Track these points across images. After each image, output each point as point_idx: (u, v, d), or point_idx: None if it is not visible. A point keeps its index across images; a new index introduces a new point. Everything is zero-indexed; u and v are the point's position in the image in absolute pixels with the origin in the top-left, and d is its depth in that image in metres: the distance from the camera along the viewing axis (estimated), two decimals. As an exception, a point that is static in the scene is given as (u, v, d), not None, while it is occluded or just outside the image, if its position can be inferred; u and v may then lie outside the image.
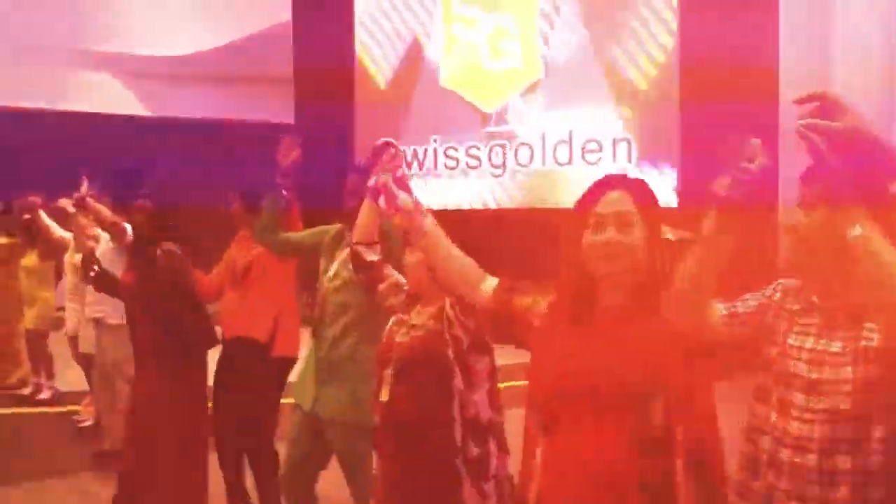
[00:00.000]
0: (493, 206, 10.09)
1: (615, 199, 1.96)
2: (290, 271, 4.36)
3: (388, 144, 2.71)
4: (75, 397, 6.83)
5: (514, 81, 10.05)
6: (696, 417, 1.90)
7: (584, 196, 2.02)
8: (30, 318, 7.29)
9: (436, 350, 2.60)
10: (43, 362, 7.44)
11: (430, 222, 2.22)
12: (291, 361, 4.29)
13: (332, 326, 3.41)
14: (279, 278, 4.24)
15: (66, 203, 5.46)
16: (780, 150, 7.79)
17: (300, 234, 3.86)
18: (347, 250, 3.32)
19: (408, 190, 2.29)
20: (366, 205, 2.78)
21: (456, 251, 2.20)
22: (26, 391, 7.50)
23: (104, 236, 5.28)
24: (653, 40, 9.07)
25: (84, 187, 5.01)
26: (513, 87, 10.06)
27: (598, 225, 1.92)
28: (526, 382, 2.01)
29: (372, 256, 2.82)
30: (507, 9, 10.17)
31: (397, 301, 2.82)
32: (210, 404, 4.17)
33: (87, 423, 6.34)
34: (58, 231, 6.53)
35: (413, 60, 10.85)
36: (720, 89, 8.03)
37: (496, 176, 10.24)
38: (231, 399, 4.15)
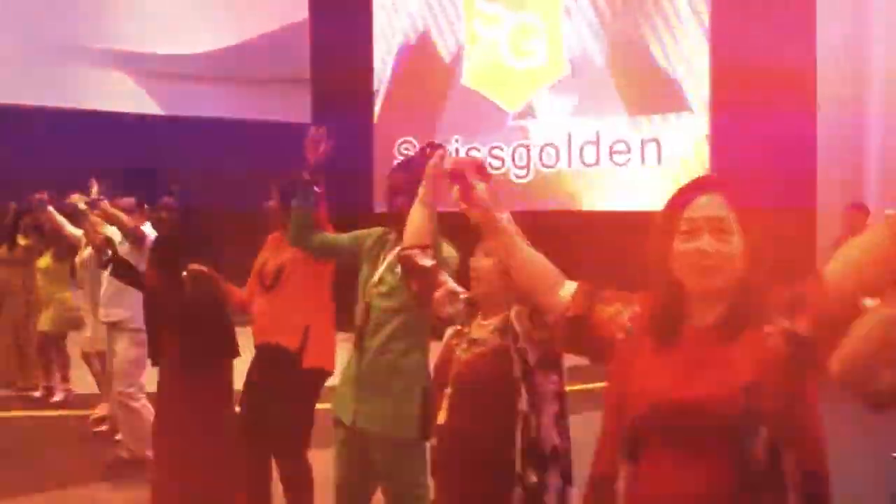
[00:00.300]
0: (517, 208, 10.04)
1: (708, 203, 1.78)
2: (325, 276, 4.16)
3: (436, 145, 2.59)
4: (94, 400, 6.73)
5: (537, 80, 10.00)
6: (808, 445, 1.70)
7: (672, 199, 1.85)
8: (44, 320, 7.31)
9: (500, 368, 2.43)
10: (58, 364, 7.43)
11: (507, 217, 2.09)
12: (325, 373, 4.13)
13: (375, 336, 3.28)
14: (312, 283, 4.09)
15: (77, 199, 5.38)
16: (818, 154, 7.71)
17: (340, 236, 3.70)
18: (392, 254, 3.23)
19: (487, 179, 2.13)
20: (418, 205, 2.61)
21: (534, 251, 2.07)
22: (36, 394, 7.51)
23: (116, 238, 5.26)
24: (685, 38, 9.01)
25: (94, 190, 5.07)
26: (536, 86, 10.02)
27: (690, 231, 1.76)
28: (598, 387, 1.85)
29: (426, 261, 2.61)
30: (531, 5, 10.13)
31: (455, 311, 2.64)
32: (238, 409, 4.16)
33: (103, 429, 6.27)
34: (69, 228, 6.55)
35: (434, 57, 10.83)
36: (754, 91, 7.99)
37: (520, 177, 10.28)
38: (259, 407, 4.05)
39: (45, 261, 7.34)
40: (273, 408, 3.99)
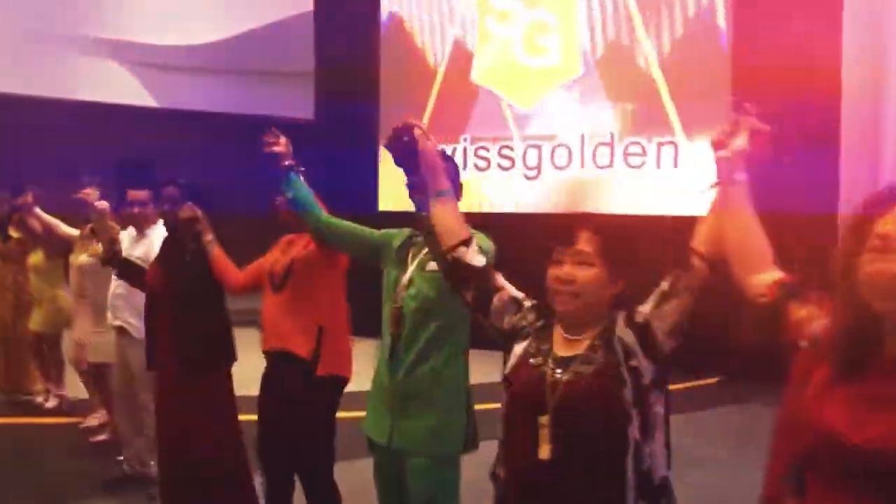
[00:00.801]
0: (526, 210, 10.04)
1: None
2: (338, 275, 4.01)
3: (408, 126, 2.48)
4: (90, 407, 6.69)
5: (551, 78, 10.04)
6: None
7: (864, 209, 1.68)
8: (35, 320, 7.29)
9: (609, 390, 2.16)
10: (52, 367, 7.39)
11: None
12: (342, 381, 3.98)
13: (412, 344, 3.12)
14: (325, 282, 3.93)
15: (90, 195, 5.07)
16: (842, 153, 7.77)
17: (365, 228, 3.52)
18: (423, 254, 3.13)
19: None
20: (436, 204, 2.46)
21: (757, 225, 1.98)
22: (39, 399, 7.52)
23: (128, 235, 5.21)
24: (703, 36, 9.07)
25: (93, 196, 5.04)
26: (550, 85, 10.06)
27: (883, 249, 1.60)
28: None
29: (477, 259, 2.40)
30: (546, 2, 10.13)
31: (520, 322, 2.37)
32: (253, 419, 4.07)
33: (101, 438, 6.26)
34: (63, 227, 6.61)
35: (442, 52, 10.84)
36: (775, 93, 8.04)
37: (530, 178, 10.34)
38: (275, 421, 3.93)
39: (36, 258, 7.29)
40: (290, 422, 3.87)
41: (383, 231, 3.44)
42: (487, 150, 10.52)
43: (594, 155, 9.78)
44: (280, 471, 3.97)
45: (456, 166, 3.28)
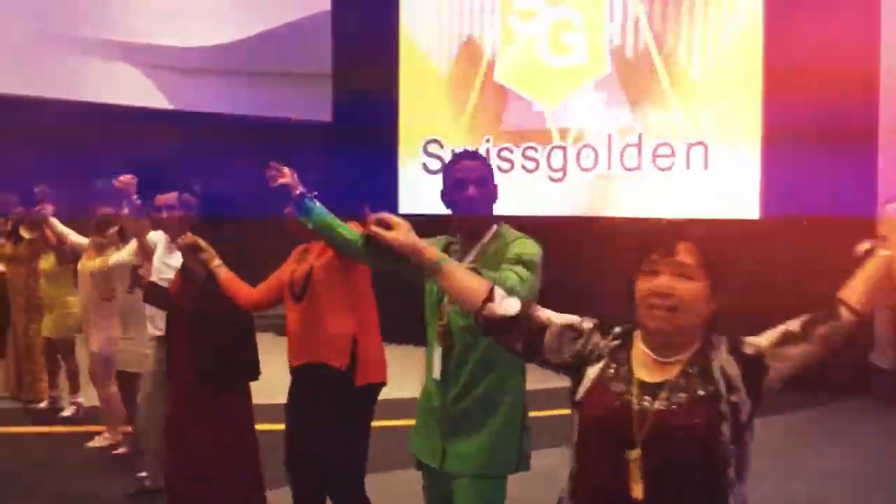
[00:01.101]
0: (552, 213, 9.96)
1: None
2: (363, 276, 3.96)
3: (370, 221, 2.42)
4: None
5: (577, 77, 9.97)
6: None
7: None
8: (46, 326, 7.33)
9: (709, 424, 1.97)
10: (67, 374, 7.39)
11: None
12: (378, 388, 3.94)
13: (460, 366, 3.01)
14: (350, 289, 3.90)
15: (129, 185, 4.97)
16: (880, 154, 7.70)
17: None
18: (465, 267, 2.87)
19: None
20: (439, 278, 2.31)
21: None
22: (43, 405, 7.57)
23: (162, 241, 5.12)
24: (736, 34, 8.95)
25: (131, 185, 4.86)
26: (576, 84, 9.99)
27: None
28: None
29: (509, 308, 2.23)
30: (569, 0, 10.11)
31: (586, 346, 2.18)
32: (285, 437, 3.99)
33: (121, 451, 6.22)
34: (73, 237, 6.65)
35: (464, 53, 10.81)
36: (810, 90, 7.98)
37: (555, 180, 10.30)
38: (308, 434, 3.87)
39: (47, 262, 7.31)
40: (325, 436, 3.80)
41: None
42: (511, 151, 10.49)
43: (622, 156, 9.73)
44: (311, 486, 3.94)
45: (489, 168, 3.16)
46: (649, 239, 2.09)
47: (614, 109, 9.79)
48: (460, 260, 2.98)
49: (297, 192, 3.35)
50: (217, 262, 4.00)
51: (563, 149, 10.12)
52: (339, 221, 3.32)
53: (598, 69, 9.84)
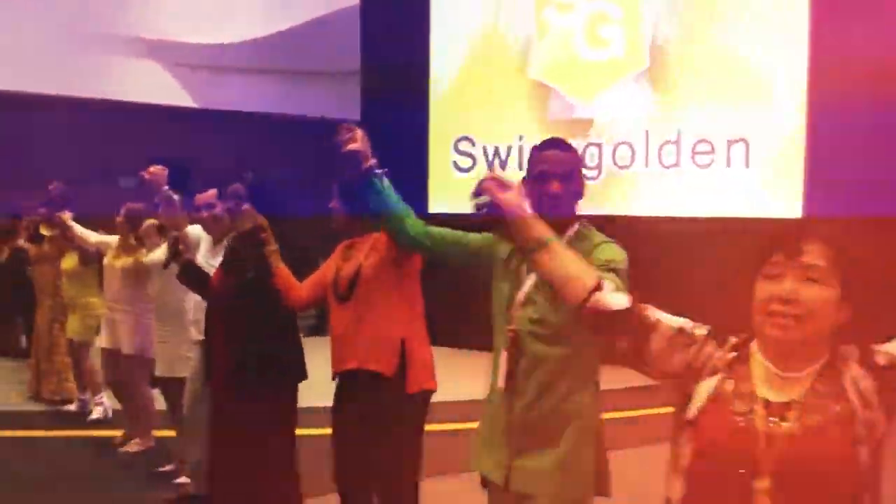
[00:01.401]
0: (586, 212, 9.96)
1: None
2: (412, 275, 3.73)
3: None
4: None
5: (614, 72, 9.87)
6: None
7: None
8: (71, 327, 7.30)
9: (844, 447, 1.78)
10: (89, 376, 7.36)
11: None
12: (430, 395, 3.74)
13: (529, 375, 2.80)
14: (400, 289, 3.67)
15: (159, 176, 4.76)
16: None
17: (460, 233, 3.11)
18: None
19: None
20: (549, 251, 2.06)
21: None
22: (72, 407, 7.56)
23: (205, 240, 4.96)
24: (779, 30, 8.82)
25: (161, 176, 4.66)
26: (613, 79, 9.89)
27: None
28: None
29: (619, 300, 2.01)
30: (607, -9, 9.96)
31: (698, 356, 1.96)
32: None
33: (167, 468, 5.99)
34: (93, 238, 6.62)
35: (497, 48, 10.74)
36: (857, 87, 7.88)
37: (589, 178, 10.20)
38: (359, 445, 3.70)
39: (70, 262, 7.28)
40: (377, 446, 3.62)
41: (485, 235, 3.02)
42: (545, 149, 10.42)
43: (659, 153, 9.65)
44: (362, 497, 3.79)
45: (578, 160, 2.94)
46: (770, 239, 1.91)
47: (652, 105, 9.68)
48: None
49: (368, 163, 3.00)
50: (274, 246, 3.81)
51: (599, 146, 10.02)
52: (405, 207, 3.06)
53: (636, 63, 9.74)
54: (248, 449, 4.01)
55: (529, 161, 2.90)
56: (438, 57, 11.24)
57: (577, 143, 9.92)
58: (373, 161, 3.00)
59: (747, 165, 9.07)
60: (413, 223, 3.07)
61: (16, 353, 9.73)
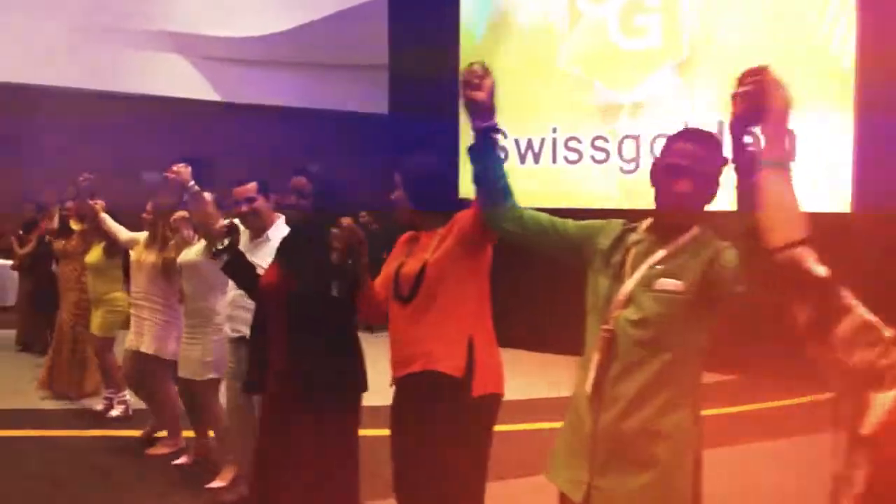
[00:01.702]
0: (623, 206, 9.79)
1: None
2: (483, 274, 3.50)
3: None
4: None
5: (651, 62, 9.72)
6: None
7: None
8: (95, 322, 7.22)
9: None
10: (110, 373, 7.31)
11: None
12: (498, 400, 3.48)
13: (622, 383, 2.59)
14: (470, 286, 3.41)
15: (182, 174, 4.64)
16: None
17: (552, 218, 2.90)
18: (647, 264, 2.59)
19: None
20: (773, 174, 1.88)
21: None
22: (99, 407, 7.50)
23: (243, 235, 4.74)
24: (825, 17, 8.69)
25: (185, 174, 4.57)
26: (650, 69, 9.74)
27: None
28: None
29: (820, 268, 1.76)
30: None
31: (880, 360, 1.70)
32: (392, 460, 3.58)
33: (182, 461, 6.03)
34: (124, 234, 6.60)
35: (527, 38, 10.63)
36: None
37: (627, 171, 10.05)
38: (420, 455, 3.45)
39: (94, 255, 7.20)
40: (441, 456, 3.38)
41: (582, 223, 2.84)
42: (580, 141, 10.30)
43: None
44: None
45: (714, 157, 2.62)
46: None
47: (691, 96, 9.51)
48: (645, 257, 2.58)
49: (487, 122, 2.83)
50: (366, 260, 3.49)
51: (636, 138, 9.87)
52: (505, 179, 2.87)
53: (674, 53, 9.59)
54: (308, 462, 3.79)
55: (663, 147, 2.67)
56: (467, 48, 11.10)
57: (612, 137, 9.92)
58: (492, 121, 2.84)
59: (793, 158, 8.88)
60: (513, 202, 2.88)
61: (42, 350, 9.75)
